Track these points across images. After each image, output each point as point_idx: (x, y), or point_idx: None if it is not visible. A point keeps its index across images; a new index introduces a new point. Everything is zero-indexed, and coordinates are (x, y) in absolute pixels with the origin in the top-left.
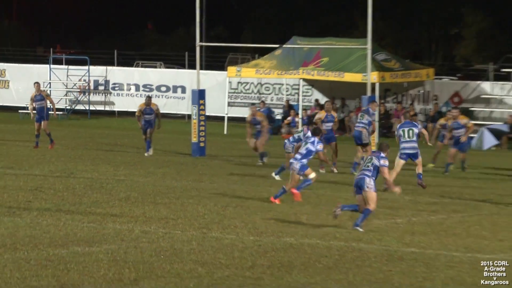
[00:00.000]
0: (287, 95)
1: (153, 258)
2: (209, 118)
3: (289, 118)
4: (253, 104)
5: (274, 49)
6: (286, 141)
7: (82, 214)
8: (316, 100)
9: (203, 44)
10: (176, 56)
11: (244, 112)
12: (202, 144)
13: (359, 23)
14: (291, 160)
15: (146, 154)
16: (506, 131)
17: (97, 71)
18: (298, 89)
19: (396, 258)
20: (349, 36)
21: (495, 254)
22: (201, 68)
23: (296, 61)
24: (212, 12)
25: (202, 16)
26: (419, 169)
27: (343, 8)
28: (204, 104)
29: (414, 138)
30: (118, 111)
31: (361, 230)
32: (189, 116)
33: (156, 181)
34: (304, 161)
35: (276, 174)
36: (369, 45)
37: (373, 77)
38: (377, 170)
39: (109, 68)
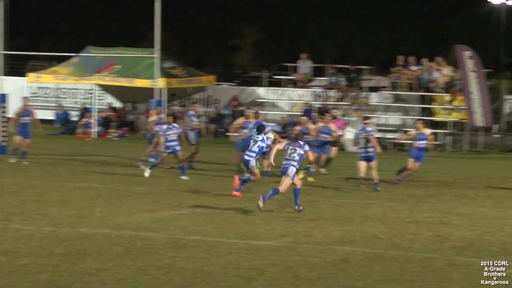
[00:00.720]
0: (82, 99)
1: None
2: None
3: (84, 119)
4: (25, 97)
5: (70, 57)
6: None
7: None
8: (109, 104)
9: (5, 52)
10: None
11: (43, 114)
12: (3, 144)
13: (147, 35)
14: (247, 158)
15: None
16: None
17: None
18: (92, 93)
19: (181, 245)
20: (139, 46)
21: (268, 241)
22: (3, 75)
23: (91, 68)
24: (13, 23)
25: (5, 26)
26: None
27: (133, 20)
28: (5, 107)
29: None
30: None
31: (261, 205)
32: None
33: None
34: (257, 157)
35: (189, 168)
36: (156, 54)
37: (160, 83)
38: (301, 158)
39: None
